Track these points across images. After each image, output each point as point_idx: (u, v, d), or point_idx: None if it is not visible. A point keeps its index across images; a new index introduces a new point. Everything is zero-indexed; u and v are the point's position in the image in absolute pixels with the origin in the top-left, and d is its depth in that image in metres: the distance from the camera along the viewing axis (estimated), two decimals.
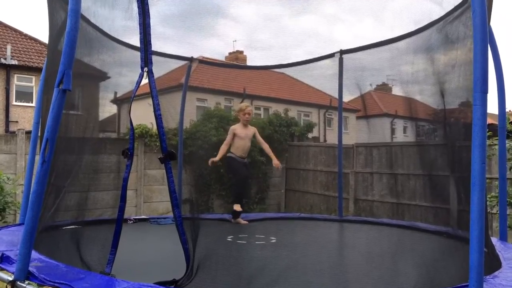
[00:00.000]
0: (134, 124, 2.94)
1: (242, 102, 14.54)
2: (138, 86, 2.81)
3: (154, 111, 2.63)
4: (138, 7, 2.70)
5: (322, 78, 6.54)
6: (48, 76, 3.60)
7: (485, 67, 2.12)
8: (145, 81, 2.78)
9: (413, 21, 4.23)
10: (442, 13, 3.70)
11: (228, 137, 5.74)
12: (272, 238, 4.53)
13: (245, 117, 5.76)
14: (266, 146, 5.93)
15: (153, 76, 2.70)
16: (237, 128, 5.78)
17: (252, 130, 5.85)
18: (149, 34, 2.70)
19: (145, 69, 2.72)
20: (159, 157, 2.64)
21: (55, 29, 3.62)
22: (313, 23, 5.43)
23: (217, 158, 5.73)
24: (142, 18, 2.70)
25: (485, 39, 2.11)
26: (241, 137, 5.69)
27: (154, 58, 2.79)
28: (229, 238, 4.43)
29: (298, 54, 6.10)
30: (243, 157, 5.72)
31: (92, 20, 3.61)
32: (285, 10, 5.12)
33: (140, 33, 2.71)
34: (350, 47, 5.79)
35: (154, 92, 2.65)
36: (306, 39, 5.56)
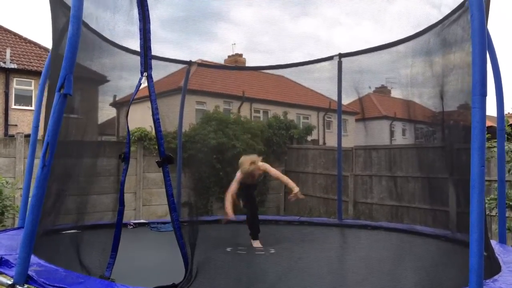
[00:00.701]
0: (134, 127, 2.94)
1: (241, 105, 14.60)
2: (137, 91, 2.81)
3: (153, 115, 2.63)
4: (139, 13, 2.70)
5: (321, 81, 6.54)
6: (51, 81, 3.60)
7: (484, 70, 2.12)
8: (144, 85, 2.79)
9: (411, 25, 4.25)
10: (440, 17, 3.71)
11: (233, 185, 4.81)
12: (271, 245, 4.50)
13: (248, 179, 4.83)
14: (284, 178, 5.17)
15: (152, 81, 2.71)
16: (242, 177, 4.80)
17: (260, 171, 4.93)
18: (149, 40, 2.71)
19: (145, 74, 2.72)
20: (156, 160, 2.64)
21: (58, 33, 3.63)
22: (312, 26, 5.43)
23: (230, 213, 4.68)
24: (143, 23, 2.71)
25: (483, 42, 2.11)
26: (247, 183, 4.87)
27: (154, 62, 2.79)
28: (229, 243, 4.41)
29: (297, 57, 6.09)
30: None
31: (94, 25, 3.62)
32: (285, 13, 5.13)
33: (140, 39, 2.72)
34: (349, 50, 5.79)
35: (153, 96, 2.66)
36: (306, 42, 5.55)
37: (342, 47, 5.83)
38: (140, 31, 2.70)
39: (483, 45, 2.11)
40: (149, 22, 2.70)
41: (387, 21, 4.71)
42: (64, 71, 2.34)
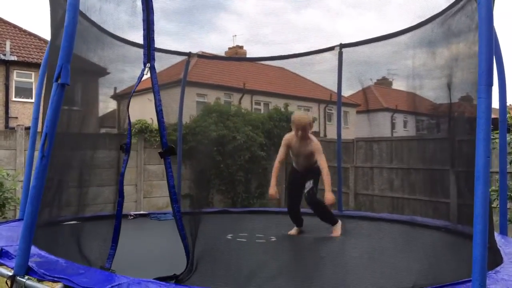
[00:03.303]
0: (134, 119, 2.93)
1: (242, 97, 14.54)
2: (140, 82, 2.79)
3: (156, 106, 2.61)
4: (142, 3, 2.67)
5: (322, 73, 6.51)
6: (50, 72, 3.58)
7: (491, 60, 2.07)
8: (146, 76, 2.76)
9: (416, 15, 4.20)
10: (446, 5, 3.65)
11: (281, 151, 4.61)
12: (272, 236, 4.49)
13: (297, 132, 4.44)
14: (324, 173, 4.37)
15: (155, 72, 2.68)
16: (292, 141, 4.55)
17: (311, 147, 4.44)
18: (153, 31, 2.68)
19: (148, 64, 2.70)
20: (159, 151, 2.62)
21: (56, 24, 3.60)
22: (315, 17, 5.39)
23: (272, 189, 4.49)
24: (146, 14, 2.68)
25: (490, 31, 2.06)
26: (294, 153, 4.60)
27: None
28: (229, 235, 4.41)
29: (299, 49, 6.05)
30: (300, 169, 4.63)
31: (96, 17, 3.59)
32: (288, 4, 5.08)
33: (144, 29, 2.69)
34: (352, 41, 5.75)
35: (156, 88, 2.63)
36: (308, 33, 5.51)
37: (345, 39, 5.79)
38: (143, 21, 2.66)
39: (490, 33, 2.06)
40: (153, 13, 2.67)
41: (391, 11, 4.66)
42: (61, 61, 2.32)
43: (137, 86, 2.81)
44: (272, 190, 4.48)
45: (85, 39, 3.57)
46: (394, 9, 4.58)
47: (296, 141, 4.50)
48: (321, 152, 4.40)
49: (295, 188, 4.67)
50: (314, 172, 4.52)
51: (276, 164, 4.60)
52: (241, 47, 15.47)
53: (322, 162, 4.37)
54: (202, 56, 7.11)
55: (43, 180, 2.40)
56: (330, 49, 5.92)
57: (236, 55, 14.58)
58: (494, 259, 2.87)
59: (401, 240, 4.26)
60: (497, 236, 3.70)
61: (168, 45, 5.77)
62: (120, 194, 2.80)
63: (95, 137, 4.24)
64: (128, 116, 2.86)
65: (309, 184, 4.51)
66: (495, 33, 3.42)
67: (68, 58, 2.34)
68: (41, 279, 2.40)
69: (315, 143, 4.46)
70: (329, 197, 4.34)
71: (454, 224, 3.96)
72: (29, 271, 2.41)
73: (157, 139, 9.24)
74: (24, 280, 2.37)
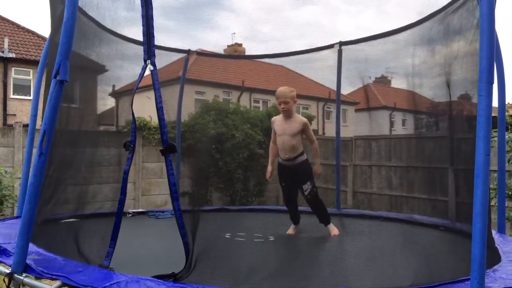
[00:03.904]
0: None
1: (241, 95, 14.53)
2: (141, 79, 2.77)
3: (156, 103, 2.59)
4: None
5: (321, 71, 6.50)
6: (49, 69, 3.57)
7: (492, 58, 2.06)
8: (147, 73, 2.75)
9: (416, 12, 4.19)
10: (446, 2, 3.63)
11: (272, 133, 4.68)
12: (270, 235, 4.48)
13: (280, 107, 4.44)
14: (316, 151, 4.66)
15: (156, 69, 2.67)
16: (276, 120, 4.60)
17: (297, 124, 4.43)
18: (152, 27, 2.67)
19: (148, 61, 2.68)
20: (160, 149, 2.61)
21: (55, 21, 3.59)
22: (315, 14, 5.35)
23: (269, 167, 4.74)
24: (145, 10, 2.66)
25: (492, 28, 2.05)
26: (278, 133, 4.53)
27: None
28: (228, 234, 4.40)
29: (299, 47, 6.04)
30: (286, 159, 4.50)
31: (94, 12, 3.57)
32: (287, 1, 5.06)
33: (143, 25, 2.67)
34: (352, 39, 5.73)
35: (157, 85, 2.62)
36: (308, 31, 5.48)
37: (345, 36, 5.77)
38: (142, 17, 2.64)
39: (492, 31, 2.05)
40: (152, 9, 2.65)
41: (392, 8, 4.63)
42: (59, 57, 2.31)
43: (139, 83, 2.79)
44: (268, 173, 4.75)
45: (83, 36, 3.56)
46: (394, 7, 4.56)
47: (281, 119, 4.51)
48: (308, 126, 4.50)
49: (287, 185, 4.68)
50: (305, 170, 4.55)
51: (271, 144, 4.74)
52: (240, 45, 15.42)
53: (310, 135, 4.57)
54: (201, 53, 7.09)
55: (41, 177, 2.39)
56: (330, 46, 5.91)
57: (235, 53, 14.54)
58: (492, 257, 2.87)
59: (399, 238, 4.26)
60: (495, 235, 3.70)
61: (166, 43, 5.76)
62: (123, 192, 2.79)
63: (93, 134, 4.23)
64: (133, 113, 2.85)
65: (307, 186, 4.54)
66: (495, 31, 3.43)
67: (67, 55, 2.33)
68: (39, 277, 2.40)
69: (301, 118, 4.50)
70: (319, 169, 4.67)
71: (453, 222, 3.97)
72: (27, 269, 2.40)
73: (156, 137, 9.22)
74: (22, 277, 2.36)
